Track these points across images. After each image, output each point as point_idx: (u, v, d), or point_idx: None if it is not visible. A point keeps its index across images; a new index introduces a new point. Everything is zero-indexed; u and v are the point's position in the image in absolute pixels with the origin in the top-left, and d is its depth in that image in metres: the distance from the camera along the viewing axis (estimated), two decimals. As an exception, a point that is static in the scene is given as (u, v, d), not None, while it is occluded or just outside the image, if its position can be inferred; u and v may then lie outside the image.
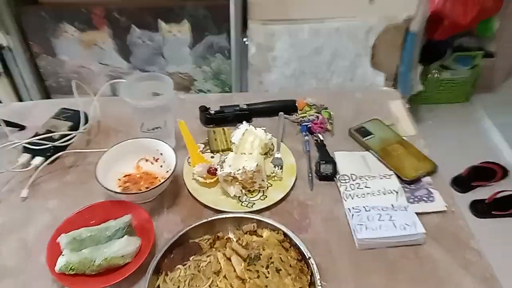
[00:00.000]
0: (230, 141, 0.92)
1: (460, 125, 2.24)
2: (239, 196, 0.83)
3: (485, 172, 1.92)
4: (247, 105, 1.02)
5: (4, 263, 0.73)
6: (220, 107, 1.01)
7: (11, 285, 0.69)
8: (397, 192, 0.83)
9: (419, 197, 0.83)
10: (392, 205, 0.81)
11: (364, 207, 0.80)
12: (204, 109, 1.00)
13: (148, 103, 0.86)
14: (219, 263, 0.66)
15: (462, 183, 1.88)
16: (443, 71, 2.17)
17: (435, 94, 2.29)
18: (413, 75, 1.88)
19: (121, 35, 1.67)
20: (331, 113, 1.01)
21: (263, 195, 0.83)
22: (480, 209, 1.77)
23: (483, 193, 1.83)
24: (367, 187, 0.85)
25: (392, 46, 1.72)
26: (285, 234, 0.72)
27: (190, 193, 0.83)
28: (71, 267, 0.66)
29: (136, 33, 1.66)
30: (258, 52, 1.68)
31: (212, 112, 1.00)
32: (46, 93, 1.80)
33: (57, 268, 0.66)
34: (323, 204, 0.83)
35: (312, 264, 0.66)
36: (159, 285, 0.65)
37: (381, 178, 0.87)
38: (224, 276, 0.64)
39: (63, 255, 0.68)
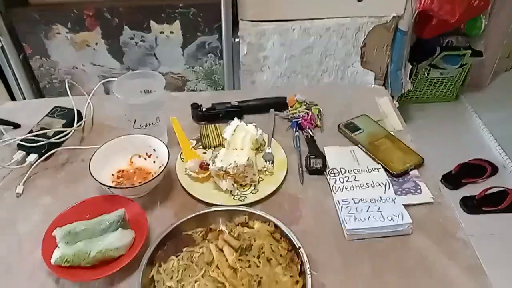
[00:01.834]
0: (222, 137, 0.94)
1: (450, 123, 2.27)
2: (231, 190, 0.84)
3: (475, 169, 1.95)
4: (239, 102, 1.04)
5: (0, 258, 0.74)
6: (212, 104, 1.03)
7: (8, 278, 0.71)
8: (385, 185, 0.86)
9: (406, 189, 0.85)
10: (380, 197, 0.83)
11: (353, 199, 0.83)
12: (196, 106, 1.02)
13: (139, 99, 0.88)
14: (212, 254, 0.68)
15: (452, 180, 1.91)
16: (432, 70, 2.20)
17: (425, 93, 2.33)
18: (402, 74, 1.91)
19: (113, 36, 1.68)
20: (321, 109, 1.03)
21: (254, 188, 0.85)
22: (471, 205, 1.80)
23: (473, 189, 1.86)
24: (356, 180, 0.87)
25: (381, 45, 1.75)
26: (275, 226, 0.73)
27: (183, 187, 0.85)
28: (66, 259, 0.67)
29: (128, 34, 1.67)
30: (250, 52, 1.70)
31: (204, 109, 1.02)
32: (40, 94, 1.81)
33: (52, 260, 0.67)
34: (313, 197, 0.85)
35: (302, 254, 0.68)
36: (152, 276, 0.67)
37: (370, 172, 0.89)
38: (217, 266, 0.66)
39: (58, 248, 0.69)
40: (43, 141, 0.89)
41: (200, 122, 1.02)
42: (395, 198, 0.83)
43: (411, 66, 1.99)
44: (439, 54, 2.12)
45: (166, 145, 0.86)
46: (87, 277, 0.67)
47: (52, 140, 0.91)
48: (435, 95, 2.34)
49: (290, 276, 0.66)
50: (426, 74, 2.22)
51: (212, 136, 0.96)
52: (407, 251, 0.75)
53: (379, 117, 1.03)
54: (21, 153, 0.89)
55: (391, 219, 0.77)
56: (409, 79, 2.00)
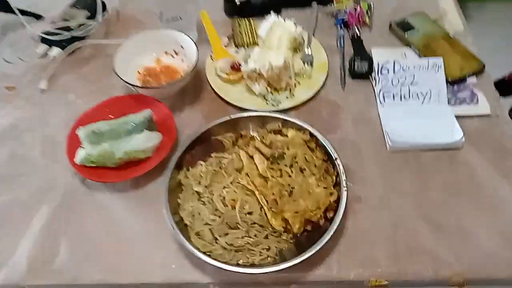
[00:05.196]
0: (256, 34, 0.85)
1: (510, 25, 2.05)
2: (264, 95, 0.78)
3: (532, 78, 1.78)
4: (277, -7, 0.92)
5: (26, 155, 0.72)
6: (247, -4, 0.92)
7: (33, 176, 0.69)
8: (438, 91, 0.76)
9: (461, 98, 0.76)
10: (430, 105, 0.74)
11: (399, 107, 0.74)
12: (229, -2, 0.92)
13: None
14: (241, 160, 0.64)
15: (504, 86, 1.76)
16: (500, -37, 1.92)
17: (488, -10, 2.07)
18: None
19: None
20: (371, 4, 0.90)
21: (290, 93, 0.78)
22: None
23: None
24: (403, 86, 0.77)
25: None
26: (311, 134, 0.68)
27: (213, 89, 0.79)
28: (91, 160, 0.65)
29: None
30: None
31: (238, 1, 0.91)
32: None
33: (77, 160, 0.65)
34: (355, 104, 0.77)
35: (339, 165, 0.63)
36: (180, 180, 0.64)
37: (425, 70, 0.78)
38: (246, 174, 0.62)
39: (82, 147, 0.67)
40: (65, 34, 0.83)
41: (233, 17, 0.92)
42: (448, 108, 0.74)
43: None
44: None
45: (195, 42, 0.78)
46: (113, 178, 0.66)
47: (75, 33, 0.85)
48: (499, -7, 2.08)
49: (324, 188, 0.61)
50: (492, -33, 1.94)
51: (245, 33, 0.87)
52: (455, 167, 0.68)
53: (437, 15, 0.90)
54: (44, 47, 0.84)
55: (440, 135, 0.70)
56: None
